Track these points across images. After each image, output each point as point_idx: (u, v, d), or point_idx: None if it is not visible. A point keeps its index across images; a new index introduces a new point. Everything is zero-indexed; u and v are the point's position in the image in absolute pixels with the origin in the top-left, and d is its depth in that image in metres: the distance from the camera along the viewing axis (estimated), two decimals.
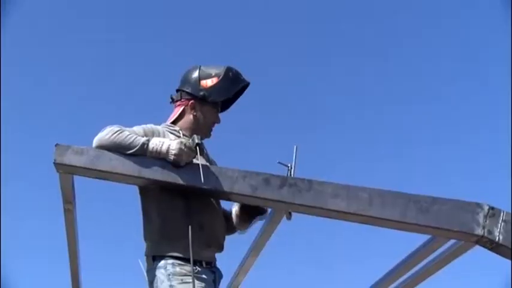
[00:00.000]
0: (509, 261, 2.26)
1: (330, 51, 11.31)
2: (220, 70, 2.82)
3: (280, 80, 11.15)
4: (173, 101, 2.91)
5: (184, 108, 2.85)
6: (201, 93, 2.80)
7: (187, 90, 2.84)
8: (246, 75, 2.89)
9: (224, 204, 2.91)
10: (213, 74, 2.81)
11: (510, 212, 2.27)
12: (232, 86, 2.83)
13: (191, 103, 2.83)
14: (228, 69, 2.82)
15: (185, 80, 2.87)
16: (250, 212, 2.92)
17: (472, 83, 10.55)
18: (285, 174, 2.58)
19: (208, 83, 2.80)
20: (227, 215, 2.95)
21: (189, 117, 2.84)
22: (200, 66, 2.86)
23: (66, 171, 2.48)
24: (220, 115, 2.92)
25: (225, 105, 2.95)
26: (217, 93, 2.80)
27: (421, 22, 10.82)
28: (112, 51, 11.01)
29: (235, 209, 2.95)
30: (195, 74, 2.84)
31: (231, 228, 2.96)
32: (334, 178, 2.41)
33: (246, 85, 2.89)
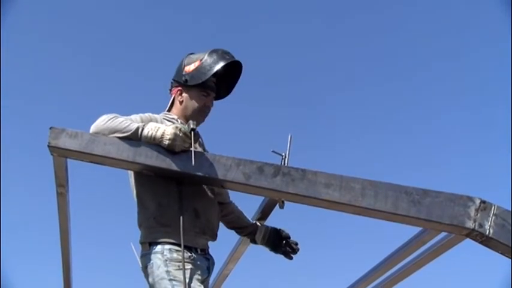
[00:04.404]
0: (509, 260, 2.27)
1: (324, 40, 11.28)
2: (204, 54, 2.81)
3: (277, 69, 11.15)
4: (170, 91, 2.93)
5: (174, 96, 2.88)
6: (183, 78, 2.82)
7: (174, 79, 2.89)
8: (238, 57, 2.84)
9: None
10: (195, 59, 2.83)
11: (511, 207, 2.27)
12: (213, 66, 2.78)
13: (178, 90, 2.86)
14: (212, 51, 2.81)
15: (176, 69, 2.90)
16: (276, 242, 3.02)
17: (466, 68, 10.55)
18: (279, 163, 2.58)
19: (191, 67, 2.82)
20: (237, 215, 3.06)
21: (177, 103, 2.87)
22: (188, 55, 2.88)
23: (60, 154, 2.48)
24: (218, 103, 2.92)
25: (226, 89, 2.94)
26: (197, 76, 2.79)
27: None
28: (117, 40, 10.97)
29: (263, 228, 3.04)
30: (181, 62, 2.87)
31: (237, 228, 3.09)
32: (328, 168, 2.42)
33: (233, 64, 2.84)
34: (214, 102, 2.91)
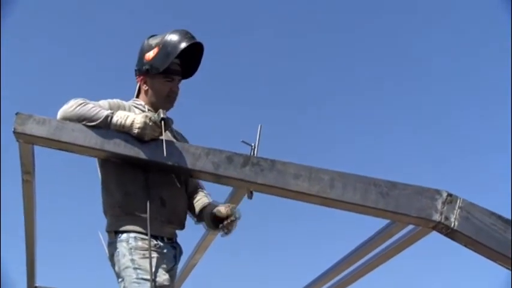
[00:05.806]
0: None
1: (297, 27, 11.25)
2: (162, 38, 2.74)
3: (250, 58, 11.12)
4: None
5: (139, 85, 2.84)
6: (144, 67, 2.76)
7: (136, 68, 2.83)
8: (198, 37, 2.74)
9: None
10: (154, 45, 2.75)
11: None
12: (173, 51, 2.70)
13: (141, 78, 2.81)
14: (170, 34, 2.73)
15: (138, 55, 2.83)
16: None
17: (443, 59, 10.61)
18: (249, 153, 2.58)
19: (150, 55, 2.75)
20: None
21: (143, 92, 2.83)
22: (148, 39, 2.80)
23: (27, 141, 2.44)
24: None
25: (190, 69, 2.86)
26: (157, 64, 2.72)
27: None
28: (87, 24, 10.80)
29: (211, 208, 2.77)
30: (140, 49, 2.80)
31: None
32: (297, 159, 2.43)
33: (193, 45, 2.74)
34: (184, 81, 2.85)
